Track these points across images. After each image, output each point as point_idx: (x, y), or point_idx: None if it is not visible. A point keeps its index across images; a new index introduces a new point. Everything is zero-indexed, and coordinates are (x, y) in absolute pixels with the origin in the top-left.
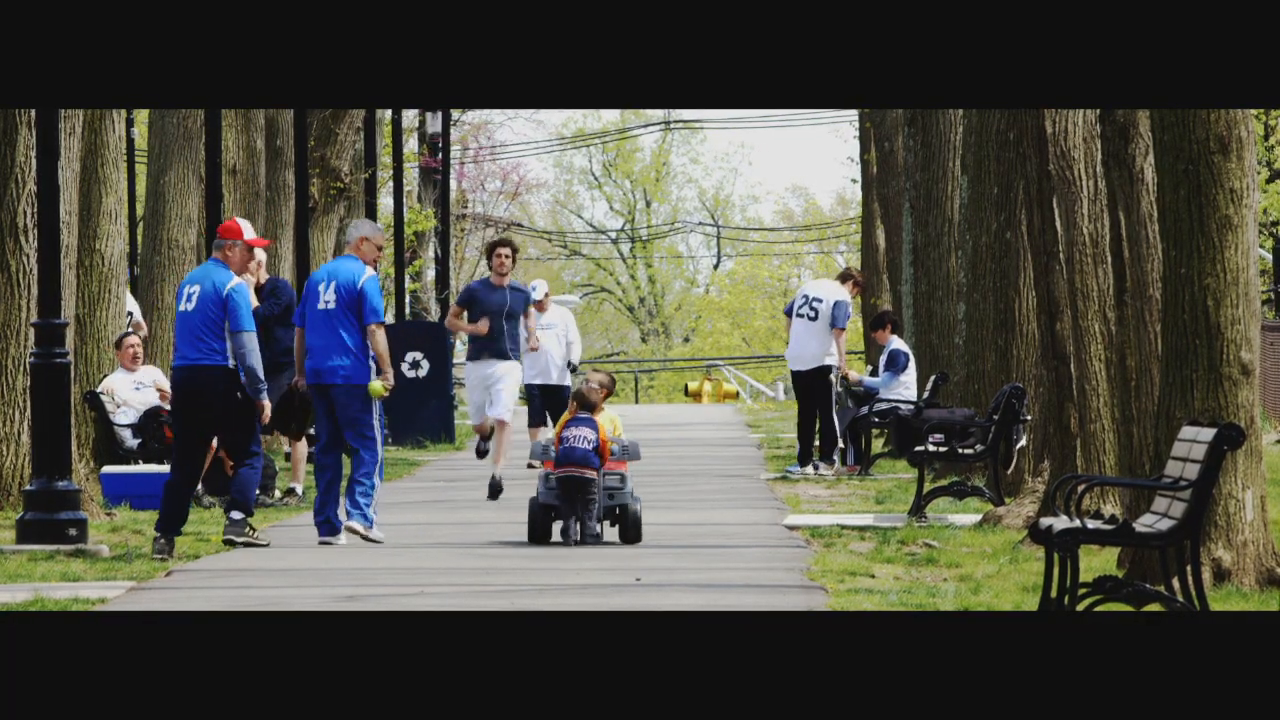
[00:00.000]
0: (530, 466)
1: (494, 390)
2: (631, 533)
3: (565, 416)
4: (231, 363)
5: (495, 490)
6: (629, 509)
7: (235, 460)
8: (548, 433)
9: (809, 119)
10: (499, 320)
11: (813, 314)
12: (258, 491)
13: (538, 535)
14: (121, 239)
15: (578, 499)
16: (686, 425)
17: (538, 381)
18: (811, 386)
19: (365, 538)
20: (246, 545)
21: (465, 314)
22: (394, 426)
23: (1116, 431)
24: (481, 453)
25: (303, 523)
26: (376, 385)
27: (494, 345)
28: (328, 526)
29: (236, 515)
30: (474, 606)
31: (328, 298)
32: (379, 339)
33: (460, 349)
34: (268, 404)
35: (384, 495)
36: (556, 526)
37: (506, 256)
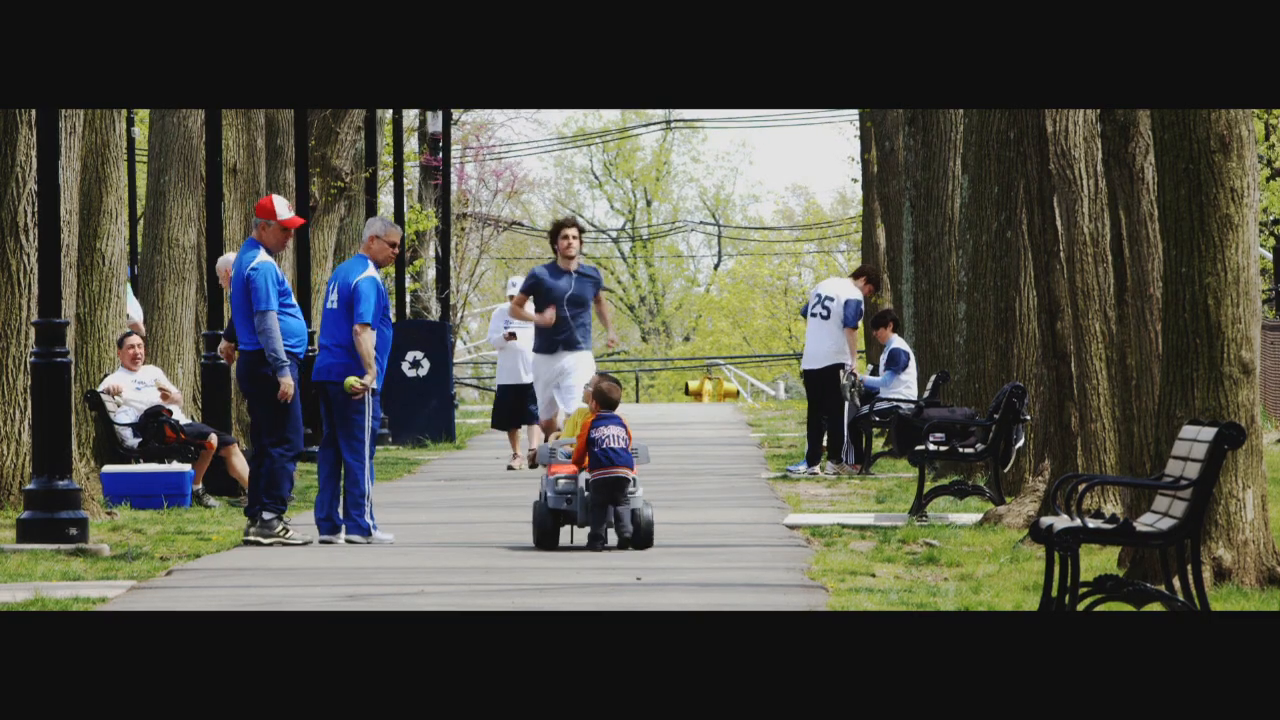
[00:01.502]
0: (511, 469)
1: (564, 385)
2: (643, 539)
3: (587, 417)
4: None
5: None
6: (641, 514)
7: (255, 447)
8: (526, 434)
9: (810, 118)
10: (566, 307)
11: (825, 313)
12: (242, 496)
13: (548, 542)
14: (122, 238)
15: (618, 499)
16: (687, 424)
17: (509, 381)
18: (823, 385)
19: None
20: (277, 545)
21: (530, 301)
22: (394, 426)
23: (1117, 430)
24: (535, 465)
25: (303, 522)
26: (352, 380)
27: (563, 335)
28: (328, 525)
29: (267, 515)
30: (474, 606)
31: (332, 297)
32: (361, 340)
33: (461, 348)
34: (286, 380)
35: (385, 495)
36: (564, 531)
37: (574, 238)
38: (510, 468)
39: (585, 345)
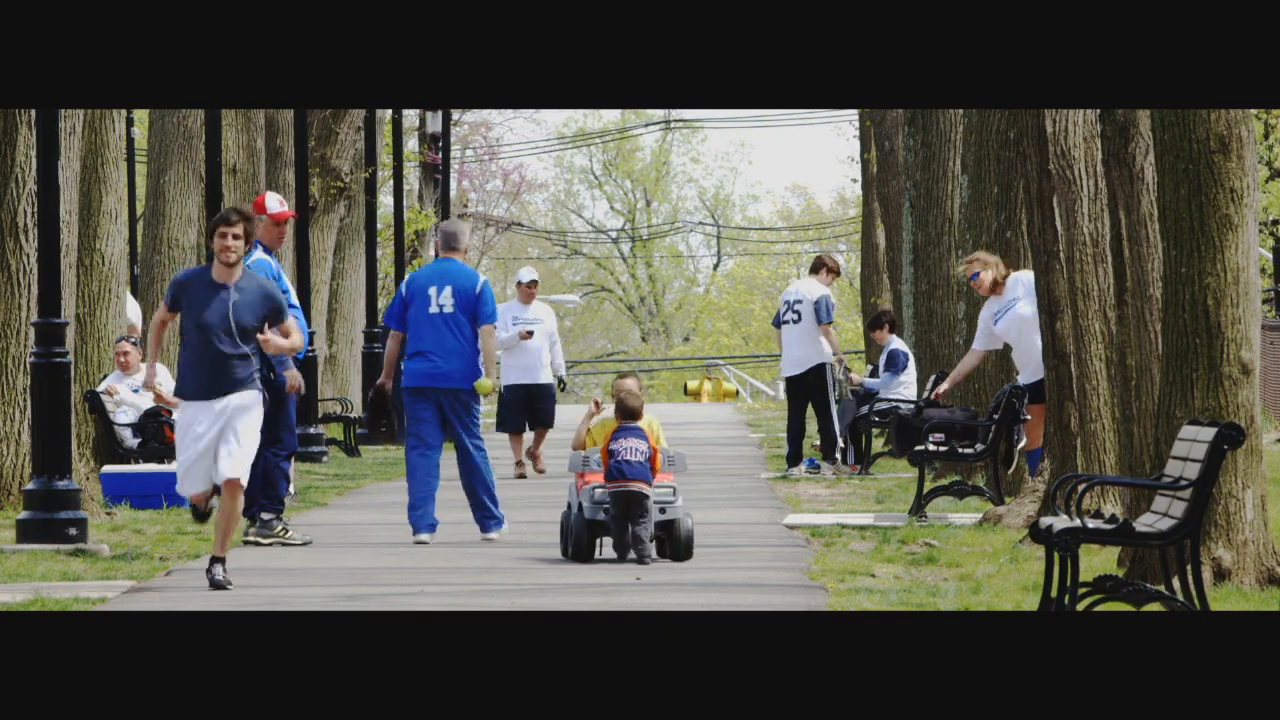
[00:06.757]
0: (523, 477)
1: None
2: (682, 550)
3: (610, 426)
4: None
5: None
6: (679, 524)
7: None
8: (524, 440)
9: (809, 119)
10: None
11: (797, 317)
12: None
13: (583, 554)
14: (122, 238)
15: (633, 515)
16: (687, 425)
17: (520, 381)
18: (808, 389)
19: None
20: (277, 546)
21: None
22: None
23: (1117, 431)
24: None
25: (303, 522)
26: (485, 383)
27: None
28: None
29: (266, 515)
30: (474, 606)
31: (447, 301)
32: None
33: None
34: (293, 372)
35: (385, 495)
36: (598, 544)
37: (235, 237)
38: (521, 476)
39: (253, 381)
